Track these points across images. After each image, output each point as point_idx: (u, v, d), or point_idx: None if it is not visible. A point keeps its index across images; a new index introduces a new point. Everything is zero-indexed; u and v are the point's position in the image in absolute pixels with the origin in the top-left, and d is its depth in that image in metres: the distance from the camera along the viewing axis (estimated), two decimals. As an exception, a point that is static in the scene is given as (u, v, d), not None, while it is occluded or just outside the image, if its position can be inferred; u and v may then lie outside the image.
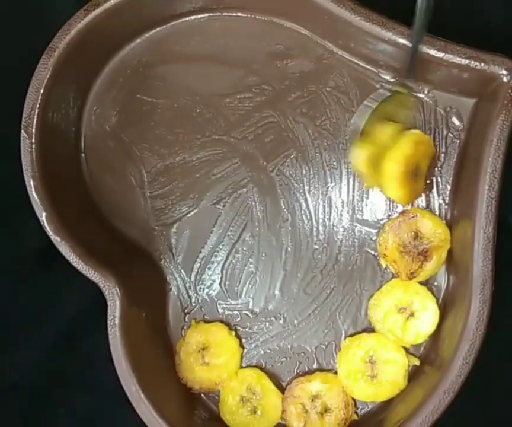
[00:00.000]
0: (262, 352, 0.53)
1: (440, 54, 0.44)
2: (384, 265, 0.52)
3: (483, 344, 0.45)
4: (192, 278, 0.54)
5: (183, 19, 0.53)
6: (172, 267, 0.54)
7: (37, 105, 0.49)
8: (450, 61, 0.45)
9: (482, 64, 0.44)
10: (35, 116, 0.49)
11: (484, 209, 0.44)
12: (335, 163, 0.52)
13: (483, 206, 0.44)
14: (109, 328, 0.48)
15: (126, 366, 0.48)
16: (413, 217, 0.50)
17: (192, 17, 0.53)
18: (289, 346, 0.52)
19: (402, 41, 0.45)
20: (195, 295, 0.54)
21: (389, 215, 0.52)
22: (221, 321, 0.53)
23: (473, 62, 0.44)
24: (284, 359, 0.53)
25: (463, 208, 0.48)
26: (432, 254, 0.49)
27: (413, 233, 0.50)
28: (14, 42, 0.57)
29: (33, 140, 0.49)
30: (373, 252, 0.52)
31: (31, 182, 0.49)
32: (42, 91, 0.49)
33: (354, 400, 0.51)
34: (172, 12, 0.53)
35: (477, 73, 0.45)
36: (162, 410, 0.48)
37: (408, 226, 0.50)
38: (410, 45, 0.44)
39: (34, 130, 0.49)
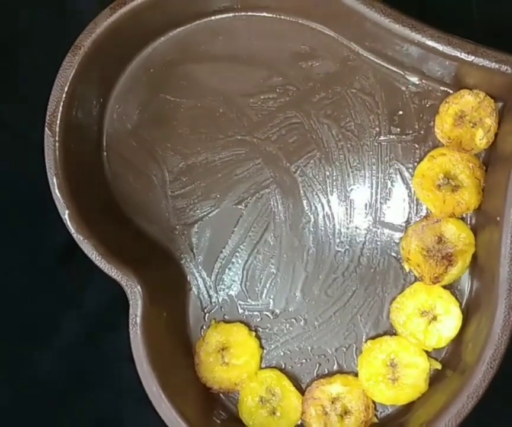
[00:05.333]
0: (282, 353, 0.52)
1: (470, 58, 0.44)
2: (407, 269, 0.51)
3: (508, 349, 0.45)
4: (213, 278, 0.54)
5: (208, 19, 0.53)
6: (192, 266, 0.54)
7: (61, 103, 0.49)
8: (480, 65, 0.44)
9: (513, 69, 0.44)
10: (59, 114, 0.49)
11: (512, 213, 0.44)
12: (358, 165, 0.52)
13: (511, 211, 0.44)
14: (130, 328, 0.48)
15: (147, 366, 0.48)
16: (437, 221, 0.50)
17: (217, 17, 0.53)
18: (309, 348, 0.52)
19: (431, 43, 0.45)
20: (216, 294, 0.54)
21: (413, 219, 0.52)
22: (241, 322, 0.53)
23: (503, 66, 0.44)
24: (304, 360, 0.52)
25: (490, 212, 0.48)
26: (457, 259, 0.49)
27: (436, 237, 0.49)
28: (37, 42, 0.58)
29: (57, 138, 0.49)
30: (395, 255, 0.52)
31: (54, 180, 0.49)
32: (66, 88, 0.49)
33: (374, 402, 0.51)
34: (197, 11, 0.52)
35: (506, 77, 0.45)
36: (182, 410, 0.47)
37: (432, 230, 0.50)
38: (440, 47, 0.44)
39: (57, 128, 0.49)
